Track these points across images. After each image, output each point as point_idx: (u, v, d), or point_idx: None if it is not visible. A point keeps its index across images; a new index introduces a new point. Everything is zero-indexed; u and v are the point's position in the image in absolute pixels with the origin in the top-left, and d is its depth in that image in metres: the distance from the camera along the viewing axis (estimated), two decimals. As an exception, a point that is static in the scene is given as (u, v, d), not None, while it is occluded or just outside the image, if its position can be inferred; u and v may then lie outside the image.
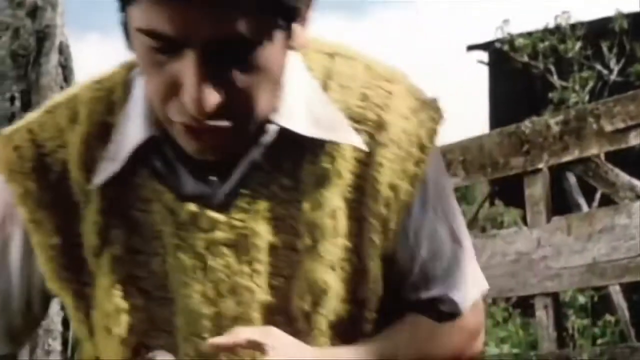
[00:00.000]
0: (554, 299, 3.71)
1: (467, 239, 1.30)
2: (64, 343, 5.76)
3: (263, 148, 1.18)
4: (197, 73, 1.06)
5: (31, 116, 1.26)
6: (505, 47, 10.90)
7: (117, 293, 1.18)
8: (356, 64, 1.26)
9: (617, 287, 6.82)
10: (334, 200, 1.19)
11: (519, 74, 11.20)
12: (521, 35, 11.03)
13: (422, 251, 1.25)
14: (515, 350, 6.10)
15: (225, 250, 1.18)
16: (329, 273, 1.19)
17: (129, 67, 1.23)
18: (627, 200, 3.62)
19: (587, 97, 9.65)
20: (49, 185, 1.21)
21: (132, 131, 1.19)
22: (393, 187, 1.21)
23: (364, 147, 1.20)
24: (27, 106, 5.23)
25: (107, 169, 1.20)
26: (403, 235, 1.24)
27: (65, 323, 5.75)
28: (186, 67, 1.06)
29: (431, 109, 1.25)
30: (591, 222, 3.56)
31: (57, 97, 1.27)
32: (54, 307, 5.36)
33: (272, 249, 1.18)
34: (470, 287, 1.29)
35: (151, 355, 0.97)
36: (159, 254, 1.19)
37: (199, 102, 1.06)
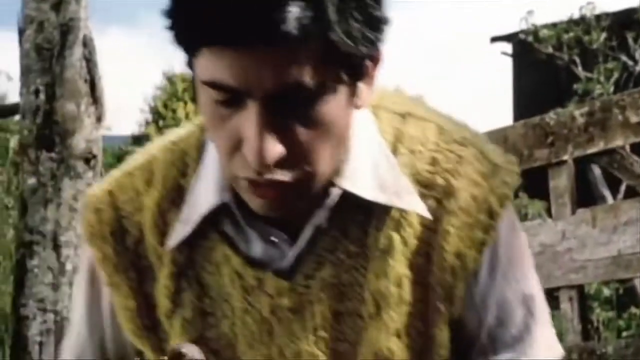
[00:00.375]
0: (578, 292, 3.69)
1: (540, 303, 1.27)
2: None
3: (327, 211, 1.17)
4: (259, 125, 1.05)
5: (112, 175, 1.30)
6: (530, 39, 10.85)
7: None
8: (428, 125, 1.24)
9: (643, 280, 6.79)
10: (400, 268, 1.19)
11: (543, 66, 11.15)
12: (545, 26, 10.97)
13: (489, 317, 1.23)
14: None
15: (290, 315, 1.19)
16: (394, 341, 1.18)
17: (203, 128, 1.24)
18: (653, 192, 3.60)
19: (612, 89, 9.59)
20: (126, 249, 1.25)
21: (204, 196, 1.20)
22: (459, 255, 1.20)
23: (429, 216, 1.19)
24: (51, 99, 5.26)
25: (179, 232, 1.22)
26: (470, 302, 1.22)
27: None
28: (248, 119, 1.05)
29: (504, 173, 1.23)
30: (616, 214, 3.54)
31: (139, 156, 1.29)
32: (79, 299, 5.40)
33: (337, 315, 1.19)
34: (543, 353, 1.25)
35: (177, 346, 0.97)
36: (228, 316, 1.21)
37: (260, 154, 1.05)
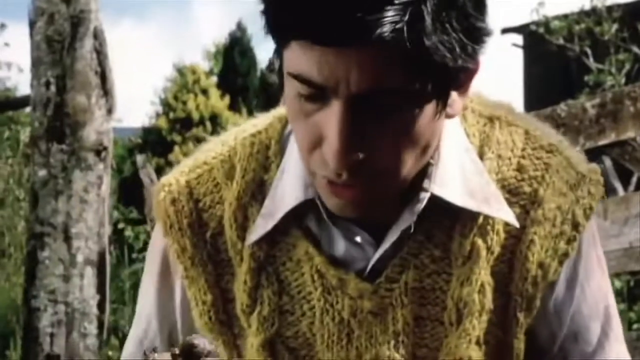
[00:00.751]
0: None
1: (615, 320, 1.26)
2: (100, 326, 5.81)
3: (416, 216, 1.15)
4: (341, 125, 1.02)
5: (187, 165, 1.27)
6: (541, 30, 10.82)
7: (265, 352, 1.20)
8: (515, 130, 1.22)
9: (654, 272, 6.78)
10: (483, 275, 1.17)
11: (554, 57, 11.12)
12: (556, 17, 10.94)
13: (563, 331, 1.23)
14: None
15: (370, 318, 1.17)
16: (474, 349, 1.17)
17: (284, 121, 1.23)
18: (665, 183, 3.58)
19: (623, 80, 9.56)
20: (204, 243, 1.23)
21: (289, 191, 1.18)
22: (542, 266, 1.19)
23: (516, 224, 1.18)
24: (62, 91, 5.27)
25: (261, 227, 1.20)
26: (544, 313, 1.21)
27: (101, 307, 5.80)
28: (331, 118, 1.03)
29: (590, 183, 1.22)
30: (627, 206, 3.53)
31: (215, 146, 1.27)
32: (90, 291, 5.41)
33: (418, 319, 1.18)
34: None
35: (188, 338, 0.97)
36: (307, 315, 1.19)
37: (340, 157, 1.03)
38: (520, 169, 1.20)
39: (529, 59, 14.24)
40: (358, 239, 1.17)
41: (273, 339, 1.19)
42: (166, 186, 1.25)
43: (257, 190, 1.21)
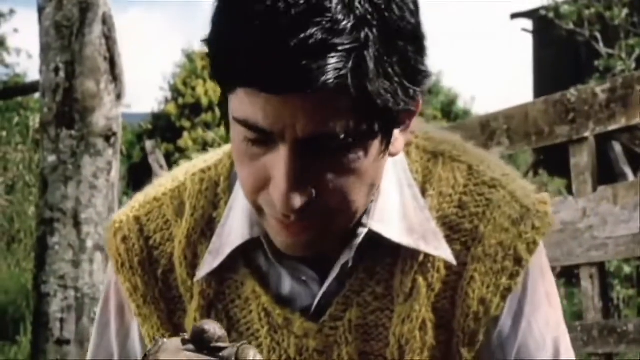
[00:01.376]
0: (599, 269, 3.67)
1: (564, 350, 1.24)
2: (110, 312, 5.83)
3: (354, 251, 1.16)
4: (288, 168, 1.03)
5: (138, 200, 1.27)
6: (550, 15, 10.77)
7: None
8: (459, 166, 1.22)
9: (664, 257, 6.77)
10: (424, 312, 1.18)
11: (564, 42, 11.07)
12: (566, 2, 10.89)
13: None
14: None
15: (316, 356, 1.18)
16: None
17: (231, 157, 1.22)
18: (675, 169, 3.57)
19: (633, 65, 9.52)
20: (156, 281, 1.23)
21: (235, 229, 1.19)
22: (483, 302, 1.19)
23: (454, 261, 1.18)
24: (71, 77, 5.26)
25: (209, 264, 1.20)
26: (488, 346, 1.21)
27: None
28: (277, 162, 1.03)
29: (534, 216, 1.21)
30: (637, 191, 3.51)
31: (165, 182, 1.27)
32: (100, 276, 5.42)
33: (362, 355, 1.18)
34: None
35: (199, 323, 0.96)
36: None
37: (287, 199, 1.03)
38: (461, 205, 1.20)
39: (539, 44, 14.18)
40: (303, 277, 1.18)
41: None
42: (117, 223, 1.26)
43: (206, 228, 1.22)
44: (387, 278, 1.18)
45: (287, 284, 1.20)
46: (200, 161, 1.28)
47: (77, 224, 5.29)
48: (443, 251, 1.18)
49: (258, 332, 1.20)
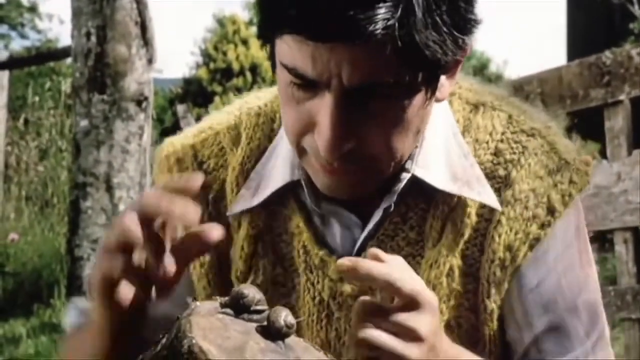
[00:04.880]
0: (634, 234, 3.63)
1: (601, 322, 1.21)
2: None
3: (395, 196, 1.15)
4: (333, 118, 1.03)
5: (192, 130, 1.27)
6: (585, -24, 10.61)
7: None
8: (499, 115, 1.21)
9: (699, 222, 6.69)
10: (453, 258, 1.16)
11: (597, 5, 10.93)
12: (601, -37, 10.73)
13: (535, 322, 1.18)
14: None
15: (350, 301, 1.17)
16: (445, 332, 1.14)
17: None
18: None
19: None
20: (206, 204, 1.23)
21: (276, 170, 1.19)
22: (510, 248, 1.16)
23: (498, 206, 1.16)
24: (102, 42, 5.26)
25: (244, 200, 1.20)
26: (514, 299, 1.18)
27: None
28: (323, 109, 1.04)
29: (573, 171, 1.19)
30: (674, 154, 3.47)
31: (220, 115, 1.28)
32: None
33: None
34: None
35: (238, 287, 0.95)
36: (296, 289, 1.20)
37: (332, 147, 1.04)
38: (497, 152, 1.18)
39: (572, 7, 14.02)
40: (350, 218, 1.17)
41: None
42: (170, 146, 1.26)
43: (260, 158, 1.22)
44: (420, 223, 1.17)
45: (329, 227, 1.19)
46: (254, 98, 1.28)
47: (109, 188, 5.31)
48: (486, 196, 1.17)
49: (298, 270, 1.20)
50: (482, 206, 1.17)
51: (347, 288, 1.17)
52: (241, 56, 15.28)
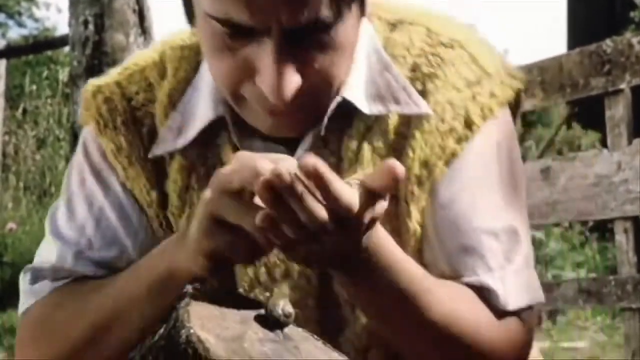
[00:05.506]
0: (634, 223, 3.63)
1: (521, 239, 1.13)
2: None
3: (326, 119, 1.12)
4: (276, 62, 1.01)
5: (116, 70, 1.24)
6: (585, -35, 10.60)
7: None
8: (417, 29, 1.16)
9: (699, 211, 6.69)
10: None
11: (598, -7, 10.91)
12: (601, -48, 10.72)
13: (448, 242, 1.11)
14: (591, 275, 6.03)
15: None
16: None
17: None
18: None
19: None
20: (140, 140, 1.19)
21: (200, 109, 1.16)
22: (426, 164, 1.11)
23: (430, 111, 1.11)
24: (100, 30, 5.25)
25: (169, 142, 1.17)
26: (430, 216, 1.11)
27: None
28: (263, 55, 1.02)
29: (494, 83, 1.13)
30: (673, 143, 3.46)
31: (143, 52, 1.25)
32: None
33: None
34: (519, 289, 1.11)
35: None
36: None
37: (279, 92, 1.02)
38: (414, 68, 1.14)
39: (572, -5, 14.01)
40: (278, 149, 1.11)
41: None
42: (95, 86, 1.22)
43: (187, 89, 1.19)
44: (339, 147, 1.13)
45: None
46: (177, 33, 1.25)
47: (107, 178, 5.30)
48: (415, 107, 1.12)
49: None
50: (401, 122, 1.12)
51: None
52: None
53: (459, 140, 1.11)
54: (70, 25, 5.36)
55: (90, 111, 1.21)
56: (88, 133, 1.23)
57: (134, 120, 1.19)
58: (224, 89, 1.09)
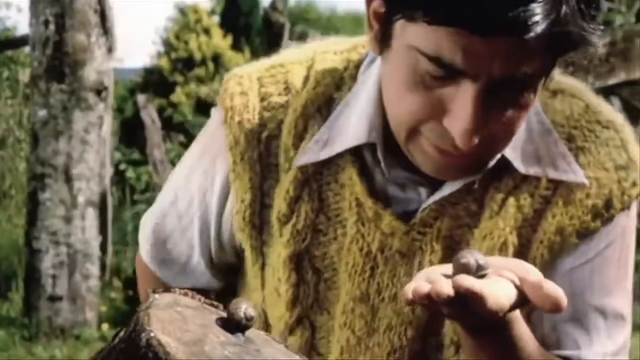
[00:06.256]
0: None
1: (625, 324, 1.19)
2: (102, 268, 5.81)
3: (482, 175, 1.14)
4: (476, 108, 1.02)
5: (262, 64, 1.26)
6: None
7: (291, 265, 1.20)
8: (577, 102, 1.19)
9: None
10: (507, 232, 1.15)
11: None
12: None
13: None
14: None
15: (397, 257, 1.17)
16: None
17: (367, 49, 1.21)
18: (674, 123, 3.53)
19: (633, 19, 9.47)
20: (258, 142, 1.21)
21: (351, 128, 1.17)
22: (562, 233, 1.15)
23: (585, 181, 1.15)
24: (61, 30, 5.20)
25: (312, 153, 1.19)
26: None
27: (103, 248, 5.80)
28: (462, 98, 1.02)
29: (638, 173, 1.17)
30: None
31: (293, 54, 1.26)
32: (92, 232, 5.40)
33: None
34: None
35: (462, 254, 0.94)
36: (339, 240, 1.19)
37: (469, 136, 1.03)
38: (569, 138, 1.17)
39: (535, -1, 14.15)
40: (421, 182, 1.16)
41: (301, 254, 1.20)
42: (237, 76, 1.25)
43: (323, 105, 1.21)
44: (482, 196, 1.16)
45: (389, 187, 1.18)
46: (332, 43, 1.26)
47: (68, 180, 5.26)
48: (572, 174, 1.16)
49: (345, 221, 1.19)
50: (547, 187, 1.16)
51: (397, 243, 1.17)
52: (203, 45, 15.25)
53: (596, 218, 1.16)
54: (30, 25, 5.31)
55: (225, 98, 1.24)
56: (217, 114, 1.26)
57: (260, 122, 1.22)
58: (404, 122, 1.09)
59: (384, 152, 1.15)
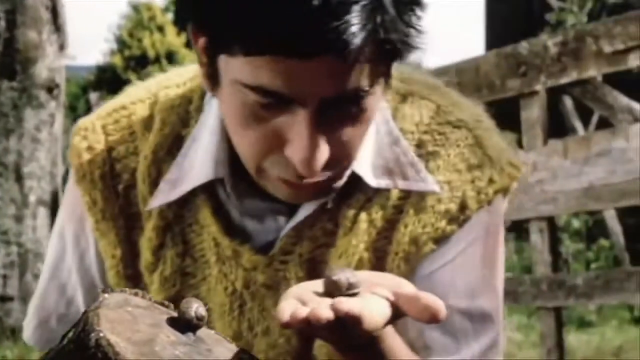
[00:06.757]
0: (549, 223, 3.68)
1: (494, 321, 1.16)
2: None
3: (335, 193, 1.12)
4: (310, 133, 0.99)
5: (106, 108, 1.22)
6: (501, -32, 10.76)
7: None
8: (427, 104, 1.16)
9: (612, 212, 6.84)
10: (362, 249, 1.13)
11: (515, -4, 11.09)
12: (517, -45, 10.89)
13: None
14: (508, 274, 6.10)
15: (263, 291, 1.15)
16: None
17: None
18: (625, 123, 3.57)
19: (585, 19, 9.57)
20: (116, 196, 1.19)
21: (198, 164, 1.15)
22: (416, 242, 1.13)
23: (438, 189, 1.12)
24: (12, 26, 5.15)
25: (163, 194, 1.17)
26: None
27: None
28: (296, 126, 1.00)
29: (495, 171, 1.14)
30: (588, 145, 3.51)
31: (137, 92, 1.23)
32: (43, 232, 5.34)
33: None
34: None
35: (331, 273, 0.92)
36: (207, 280, 1.18)
37: (311, 162, 1.01)
38: (420, 144, 1.15)
39: (489, -2, 14.22)
40: (279, 209, 1.14)
41: (174, 299, 1.12)
42: (82, 130, 1.21)
43: (173, 145, 1.18)
44: (336, 214, 1.14)
45: (246, 220, 1.16)
46: (175, 75, 1.23)
47: (19, 178, 5.21)
48: (422, 183, 1.13)
49: (209, 262, 1.17)
50: (399, 197, 1.13)
51: (260, 277, 1.15)
52: (157, 43, 15.18)
53: (451, 222, 1.13)
54: (-20, 21, 5.25)
55: (74, 158, 1.21)
56: (72, 173, 1.23)
57: (112, 175, 1.19)
58: (249, 158, 1.07)
59: (238, 184, 1.13)
